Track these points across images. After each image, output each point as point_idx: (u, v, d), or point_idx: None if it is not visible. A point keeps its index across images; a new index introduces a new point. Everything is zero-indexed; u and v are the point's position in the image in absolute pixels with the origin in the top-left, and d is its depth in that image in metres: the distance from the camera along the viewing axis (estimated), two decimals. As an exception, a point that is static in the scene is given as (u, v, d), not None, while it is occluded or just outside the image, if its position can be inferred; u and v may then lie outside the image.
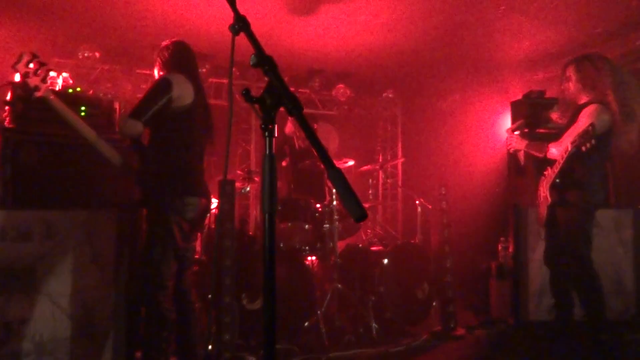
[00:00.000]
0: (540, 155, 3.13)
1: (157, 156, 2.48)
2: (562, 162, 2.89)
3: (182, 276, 2.60)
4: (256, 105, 1.03)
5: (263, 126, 1.02)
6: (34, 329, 2.49)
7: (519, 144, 3.31)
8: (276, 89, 1.00)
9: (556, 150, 2.99)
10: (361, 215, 0.85)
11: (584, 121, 2.85)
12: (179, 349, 2.58)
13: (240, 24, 1.09)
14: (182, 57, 2.61)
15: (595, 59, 3.05)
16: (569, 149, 2.78)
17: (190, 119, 2.53)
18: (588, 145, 2.65)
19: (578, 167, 2.94)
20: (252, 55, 1.03)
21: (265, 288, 0.93)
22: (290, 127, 4.60)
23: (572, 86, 3.09)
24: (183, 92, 2.46)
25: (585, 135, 2.66)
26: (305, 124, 0.93)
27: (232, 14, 1.15)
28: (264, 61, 1.03)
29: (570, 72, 3.09)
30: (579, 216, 2.98)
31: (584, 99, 3.02)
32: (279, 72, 1.03)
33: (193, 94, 2.50)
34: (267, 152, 1.01)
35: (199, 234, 4.01)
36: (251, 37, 1.07)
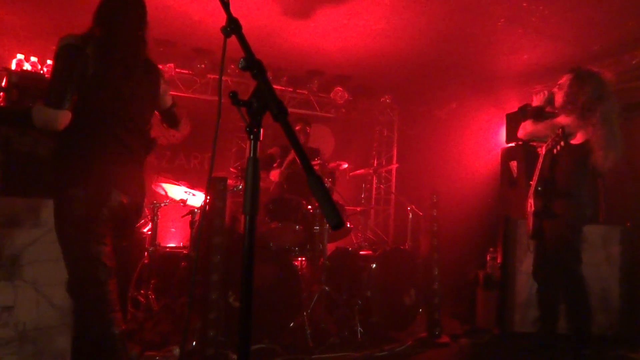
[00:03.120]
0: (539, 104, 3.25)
1: (59, 139, 2.02)
2: (539, 167, 3.01)
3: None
4: (243, 109, 1.04)
5: (248, 129, 1.03)
6: (18, 317, 2.48)
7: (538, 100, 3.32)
8: (263, 93, 1.01)
9: (523, 129, 3.19)
10: (338, 224, 0.86)
11: (561, 118, 2.98)
12: None
13: (232, 26, 1.10)
14: (104, 14, 2.11)
15: (591, 76, 3.05)
16: (542, 152, 2.92)
17: (96, 93, 1.97)
18: (558, 147, 2.77)
19: (561, 178, 3.00)
20: (242, 59, 1.04)
21: (243, 289, 0.94)
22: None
23: (560, 96, 3.11)
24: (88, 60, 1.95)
25: (556, 138, 2.78)
26: (289, 130, 0.94)
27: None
28: (253, 65, 1.04)
29: (566, 81, 3.10)
30: (566, 230, 3.00)
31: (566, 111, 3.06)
32: (267, 76, 1.04)
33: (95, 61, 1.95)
34: (252, 155, 1.02)
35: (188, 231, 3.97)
36: (242, 40, 1.08)
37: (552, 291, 3.13)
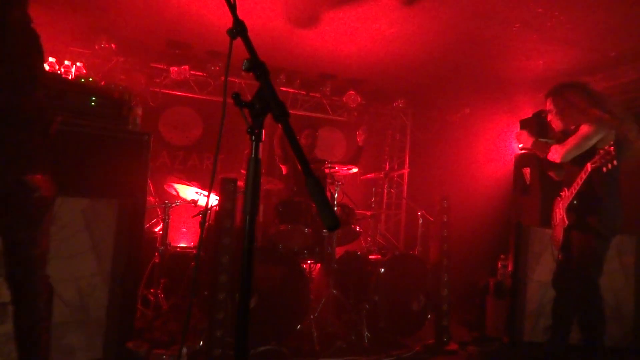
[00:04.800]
0: (542, 155, 3.11)
1: None
2: (580, 182, 2.83)
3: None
4: (245, 110, 1.05)
5: (249, 130, 1.04)
6: (29, 312, 2.53)
7: (527, 141, 3.26)
8: (266, 95, 1.02)
9: (556, 153, 2.97)
10: (333, 226, 0.86)
11: (586, 129, 2.84)
12: None
13: (238, 29, 1.11)
14: None
15: (576, 86, 3.03)
16: (589, 169, 2.71)
17: None
18: (610, 166, 2.53)
19: (598, 190, 2.86)
20: (245, 60, 1.06)
21: (242, 289, 0.95)
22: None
23: (559, 118, 3.06)
24: None
25: (606, 156, 2.55)
26: (289, 132, 0.95)
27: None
28: (257, 66, 1.05)
29: (551, 104, 3.08)
30: (595, 242, 2.91)
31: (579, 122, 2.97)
32: (270, 78, 1.05)
33: None
34: (253, 156, 1.03)
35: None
36: (247, 42, 1.09)
37: (570, 301, 3.04)
